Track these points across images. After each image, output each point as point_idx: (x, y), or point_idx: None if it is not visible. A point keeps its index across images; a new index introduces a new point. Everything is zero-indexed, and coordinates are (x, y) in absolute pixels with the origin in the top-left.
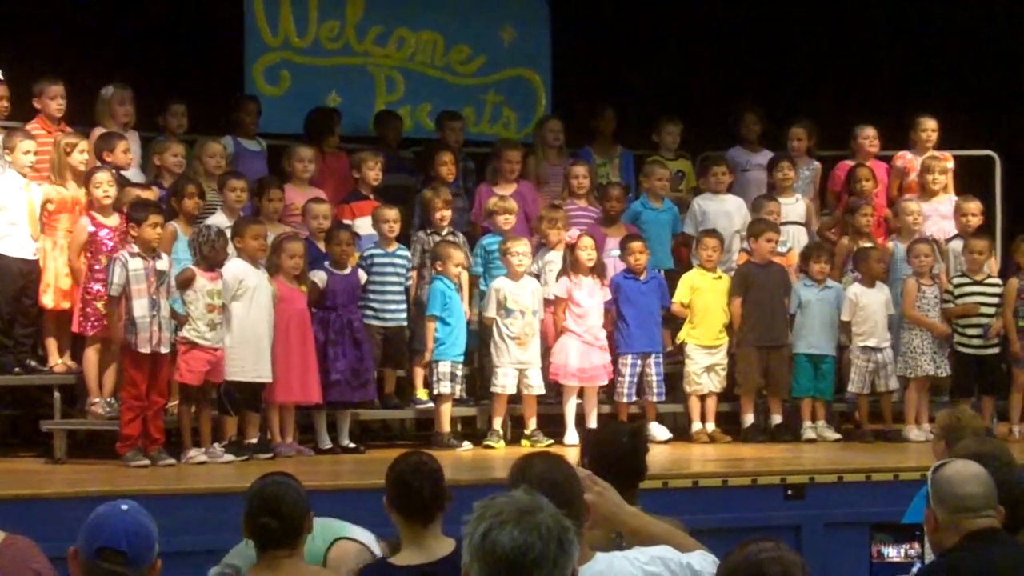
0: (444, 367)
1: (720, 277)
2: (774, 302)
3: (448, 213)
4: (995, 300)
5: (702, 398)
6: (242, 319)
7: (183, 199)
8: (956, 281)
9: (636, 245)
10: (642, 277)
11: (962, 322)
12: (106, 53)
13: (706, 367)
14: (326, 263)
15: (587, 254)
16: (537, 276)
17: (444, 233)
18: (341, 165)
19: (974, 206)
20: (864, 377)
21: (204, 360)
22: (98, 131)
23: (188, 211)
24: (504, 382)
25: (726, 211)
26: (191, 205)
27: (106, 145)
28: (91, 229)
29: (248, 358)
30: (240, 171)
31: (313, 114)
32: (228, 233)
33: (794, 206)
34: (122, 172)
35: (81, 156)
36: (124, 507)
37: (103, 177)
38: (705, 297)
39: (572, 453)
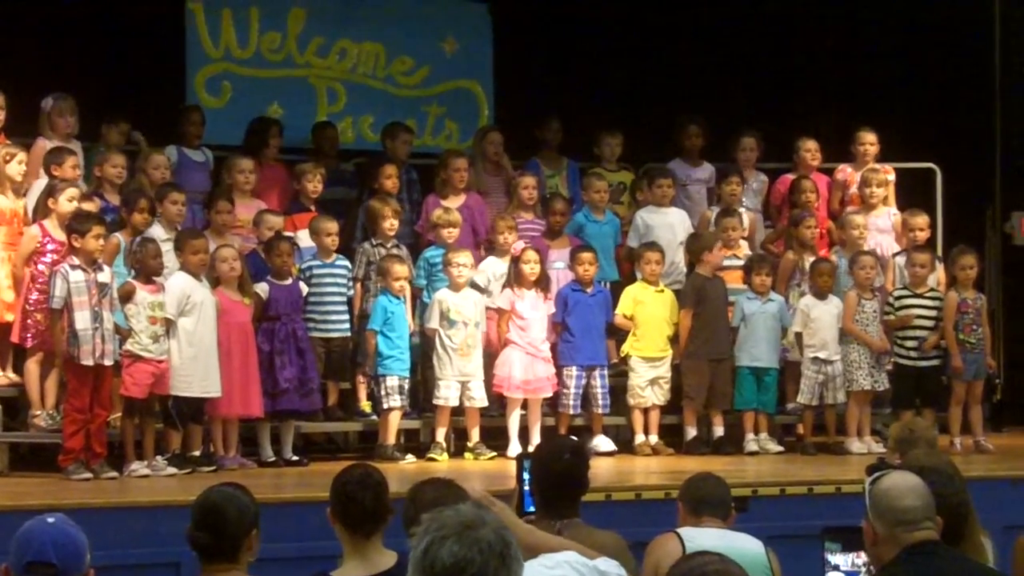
0: (392, 381)
1: (663, 290)
2: (721, 315)
3: (396, 224)
4: (934, 313)
5: (645, 411)
6: (191, 333)
7: (132, 212)
8: (897, 294)
9: (586, 256)
10: (589, 290)
11: (900, 334)
12: (47, 63)
13: (650, 380)
14: (268, 276)
15: (530, 267)
16: (482, 288)
17: (389, 246)
18: (280, 176)
19: (922, 220)
20: (813, 389)
21: (148, 373)
22: (41, 142)
23: (135, 224)
24: (447, 394)
25: (669, 224)
26: (139, 219)
27: (55, 160)
28: (40, 239)
29: (197, 372)
30: (183, 182)
31: (251, 125)
32: (166, 245)
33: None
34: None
35: (19, 167)
36: (50, 519)
37: (75, 192)
38: (648, 310)
39: (514, 465)
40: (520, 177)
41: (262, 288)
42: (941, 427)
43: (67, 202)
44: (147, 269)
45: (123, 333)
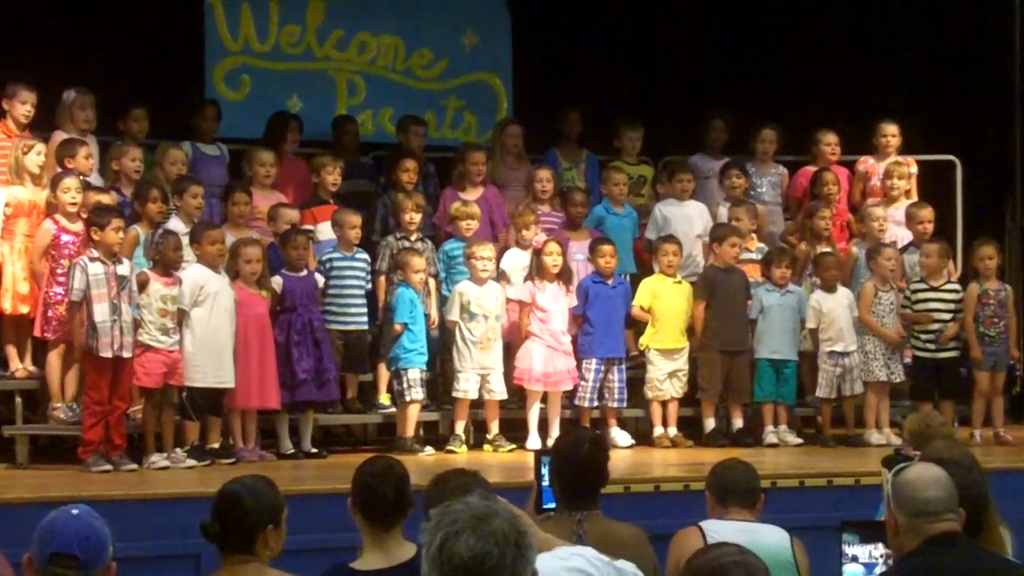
0: (414, 374)
1: (680, 282)
2: (736, 307)
3: (418, 217)
4: (952, 306)
5: (664, 403)
6: (204, 325)
7: (146, 203)
8: (914, 287)
9: (607, 248)
10: (610, 281)
11: (918, 327)
12: (66, 57)
13: (668, 373)
14: (283, 269)
15: (552, 260)
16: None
17: (413, 239)
18: (300, 170)
19: (927, 213)
20: (831, 382)
21: (159, 362)
22: (59, 135)
23: (151, 215)
24: (466, 387)
25: (687, 216)
26: (154, 209)
27: (68, 151)
28: (54, 232)
29: (210, 364)
30: (199, 177)
31: (270, 120)
32: (185, 239)
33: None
34: (84, 177)
35: (37, 158)
36: (75, 511)
37: (71, 183)
38: (666, 302)
39: (532, 459)
40: (535, 171)
41: (276, 282)
42: (961, 419)
43: (63, 193)
44: (166, 261)
45: (136, 322)
